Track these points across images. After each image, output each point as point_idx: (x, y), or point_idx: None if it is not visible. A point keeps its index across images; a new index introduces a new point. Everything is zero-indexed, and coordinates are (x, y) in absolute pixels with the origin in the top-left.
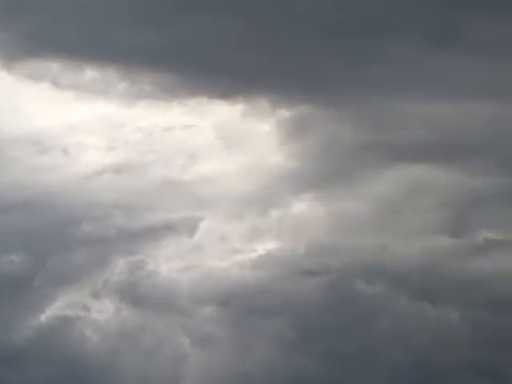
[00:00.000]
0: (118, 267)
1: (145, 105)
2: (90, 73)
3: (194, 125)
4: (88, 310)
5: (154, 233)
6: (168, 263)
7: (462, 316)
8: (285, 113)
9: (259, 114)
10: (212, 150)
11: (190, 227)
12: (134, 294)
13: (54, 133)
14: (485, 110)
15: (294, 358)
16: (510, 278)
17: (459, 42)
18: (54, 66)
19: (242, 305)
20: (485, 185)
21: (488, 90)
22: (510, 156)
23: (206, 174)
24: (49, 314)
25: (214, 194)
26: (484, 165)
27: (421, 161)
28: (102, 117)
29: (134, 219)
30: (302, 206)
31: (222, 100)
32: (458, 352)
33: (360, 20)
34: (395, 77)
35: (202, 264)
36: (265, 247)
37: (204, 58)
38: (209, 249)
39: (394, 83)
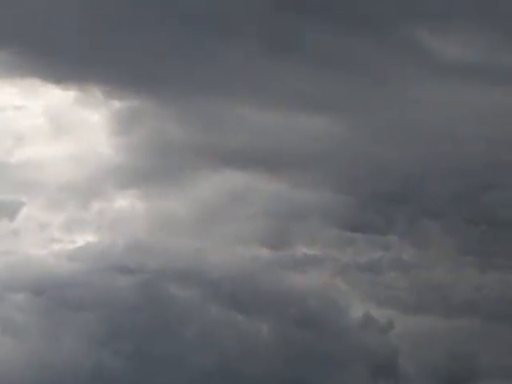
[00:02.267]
0: None
1: None
2: None
3: (25, 106)
4: None
5: None
6: None
7: (271, 329)
8: (116, 104)
9: (91, 102)
10: (40, 134)
11: (11, 211)
12: None
13: None
14: (316, 124)
15: (99, 353)
16: (323, 296)
17: (301, 52)
18: None
19: (55, 296)
20: (307, 199)
21: (322, 103)
22: (334, 172)
23: (31, 158)
24: None
25: (38, 180)
26: (308, 178)
27: (246, 168)
28: None
29: None
30: (125, 202)
31: (54, 84)
32: (265, 364)
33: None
34: (232, 80)
35: (19, 250)
36: (84, 239)
37: (40, 40)
38: (27, 235)
39: (230, 86)
